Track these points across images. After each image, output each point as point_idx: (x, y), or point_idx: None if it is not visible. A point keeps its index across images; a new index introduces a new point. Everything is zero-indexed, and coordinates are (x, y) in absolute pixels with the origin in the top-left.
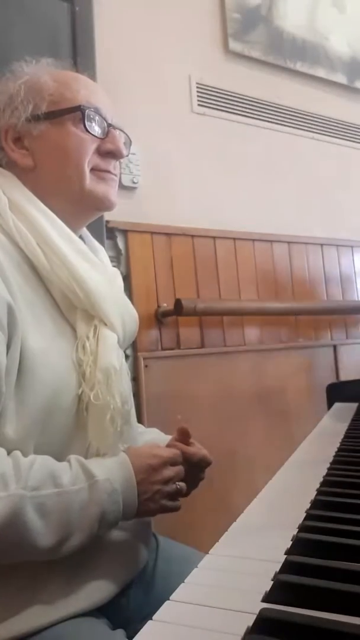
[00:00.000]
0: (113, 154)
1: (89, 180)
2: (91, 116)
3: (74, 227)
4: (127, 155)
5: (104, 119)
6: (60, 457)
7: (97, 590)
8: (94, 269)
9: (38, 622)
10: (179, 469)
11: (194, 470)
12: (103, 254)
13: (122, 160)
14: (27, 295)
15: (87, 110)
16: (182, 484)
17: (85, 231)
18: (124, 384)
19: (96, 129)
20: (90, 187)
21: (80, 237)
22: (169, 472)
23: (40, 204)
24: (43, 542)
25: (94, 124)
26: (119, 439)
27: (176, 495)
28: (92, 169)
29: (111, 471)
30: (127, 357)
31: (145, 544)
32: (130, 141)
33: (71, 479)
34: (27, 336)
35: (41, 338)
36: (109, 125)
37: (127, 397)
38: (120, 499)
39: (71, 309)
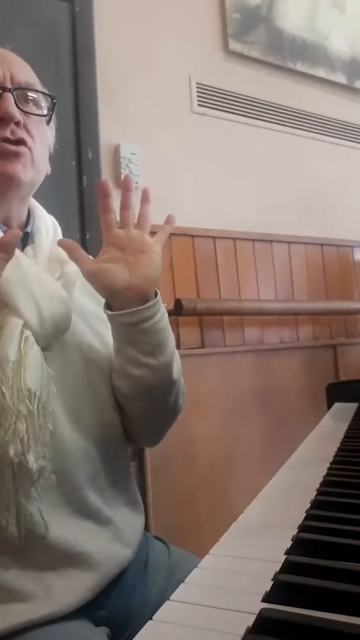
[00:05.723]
0: (4, 120)
1: None
2: None
3: None
4: (47, 115)
5: None
6: None
7: (72, 593)
8: None
9: (10, 622)
10: None
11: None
12: (45, 236)
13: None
14: None
15: None
16: None
17: (35, 210)
18: (30, 380)
19: None
20: None
21: (30, 216)
22: None
23: None
24: None
25: None
26: (26, 446)
27: None
28: None
29: None
30: None
31: (127, 544)
32: (53, 101)
33: None
34: None
35: None
36: (3, 89)
37: (32, 397)
38: None
39: None
